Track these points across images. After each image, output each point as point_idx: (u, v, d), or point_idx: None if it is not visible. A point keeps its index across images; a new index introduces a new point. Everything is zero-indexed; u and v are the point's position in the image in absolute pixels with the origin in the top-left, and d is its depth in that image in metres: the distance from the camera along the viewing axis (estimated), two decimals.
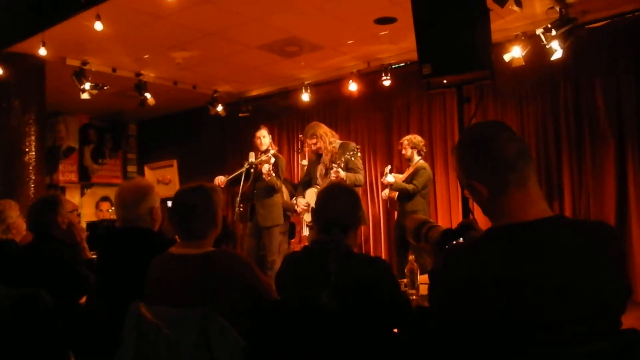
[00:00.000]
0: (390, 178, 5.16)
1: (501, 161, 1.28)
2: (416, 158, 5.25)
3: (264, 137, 5.35)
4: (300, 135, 5.05)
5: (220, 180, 5.10)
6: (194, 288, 1.86)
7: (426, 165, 5.28)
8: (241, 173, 5.19)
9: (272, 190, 5.20)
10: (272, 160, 5.13)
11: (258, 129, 5.45)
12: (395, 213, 5.48)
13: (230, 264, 1.91)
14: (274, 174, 5.05)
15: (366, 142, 7.21)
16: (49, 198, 3.01)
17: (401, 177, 5.26)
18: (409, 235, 1.75)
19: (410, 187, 5.07)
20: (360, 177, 4.72)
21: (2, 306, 2.25)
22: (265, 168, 5.01)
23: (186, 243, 2.01)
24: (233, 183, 5.25)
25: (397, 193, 5.13)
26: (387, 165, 5.49)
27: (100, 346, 2.18)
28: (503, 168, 1.28)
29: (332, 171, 4.60)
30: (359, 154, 4.79)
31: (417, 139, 5.31)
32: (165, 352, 1.68)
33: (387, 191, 5.28)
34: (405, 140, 5.31)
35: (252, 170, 5.19)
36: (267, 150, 5.26)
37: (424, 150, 5.34)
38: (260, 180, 5.16)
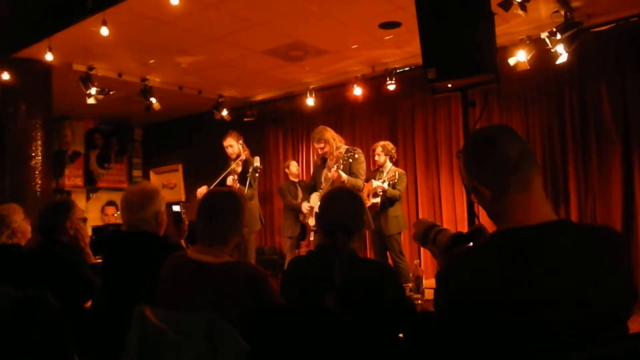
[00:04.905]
0: (382, 184, 5.12)
1: (502, 162, 1.28)
2: (388, 164, 5.32)
3: (231, 147, 5.16)
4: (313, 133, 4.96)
5: (201, 192, 4.90)
6: (207, 296, 1.85)
7: (403, 171, 5.46)
8: (224, 178, 5.06)
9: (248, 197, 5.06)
10: (239, 169, 5.02)
11: (224, 138, 5.25)
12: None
13: (248, 277, 1.88)
14: (238, 185, 4.91)
15: (371, 146, 7.19)
16: (61, 201, 3.02)
17: (379, 182, 5.19)
18: (416, 238, 1.74)
19: (397, 193, 5.14)
20: (360, 182, 4.72)
21: (7, 307, 2.25)
22: (229, 180, 4.93)
23: (207, 249, 1.96)
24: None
25: (379, 199, 5.08)
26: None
27: (104, 349, 2.18)
28: (504, 169, 1.28)
29: (332, 170, 4.59)
30: (358, 157, 4.77)
31: (390, 145, 5.41)
32: (170, 356, 1.68)
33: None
34: (380, 147, 5.36)
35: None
36: (237, 158, 5.13)
37: (395, 157, 5.45)
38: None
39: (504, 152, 1.28)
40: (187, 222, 2.73)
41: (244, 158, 5.14)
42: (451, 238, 1.59)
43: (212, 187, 4.97)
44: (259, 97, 8.13)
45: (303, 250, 6.22)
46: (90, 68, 6.25)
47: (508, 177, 1.27)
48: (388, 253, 5.20)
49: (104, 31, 4.81)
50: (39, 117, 6.00)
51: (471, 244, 1.51)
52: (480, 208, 1.39)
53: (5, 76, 5.78)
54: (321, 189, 4.96)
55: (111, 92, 6.42)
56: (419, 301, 2.72)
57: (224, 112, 7.73)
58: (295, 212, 5.97)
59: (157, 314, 1.76)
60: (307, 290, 1.90)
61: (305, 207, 5.21)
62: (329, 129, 4.96)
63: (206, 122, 8.27)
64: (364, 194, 5.25)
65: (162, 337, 1.70)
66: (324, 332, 1.70)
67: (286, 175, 6.71)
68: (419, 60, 3.38)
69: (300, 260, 2.13)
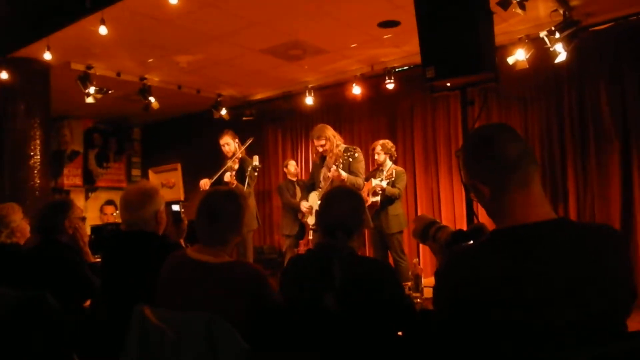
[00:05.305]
0: (380, 183, 5.11)
1: (502, 161, 1.28)
2: (388, 163, 5.32)
3: (227, 145, 5.22)
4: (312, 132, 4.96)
5: (204, 183, 5.00)
6: (207, 296, 1.84)
7: (403, 169, 5.47)
8: (223, 173, 5.07)
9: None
10: (236, 166, 5.04)
11: (220, 137, 5.30)
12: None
13: (247, 277, 1.88)
14: (235, 182, 4.94)
15: (370, 145, 7.19)
16: (60, 201, 3.02)
17: (378, 181, 5.18)
18: (415, 234, 1.74)
19: (396, 191, 5.13)
20: (360, 181, 4.73)
21: (7, 307, 2.25)
22: (227, 176, 4.96)
23: (207, 249, 1.97)
24: (217, 185, 5.18)
25: (378, 198, 5.08)
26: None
27: (104, 349, 2.18)
28: (504, 168, 1.28)
29: (332, 169, 4.59)
30: (357, 156, 4.78)
31: (389, 144, 5.41)
32: (169, 355, 1.68)
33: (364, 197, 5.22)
34: (379, 145, 5.35)
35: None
36: (233, 156, 5.15)
37: (395, 155, 5.44)
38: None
39: (503, 151, 1.29)
40: (186, 222, 2.73)
41: (240, 156, 5.17)
42: (452, 235, 1.60)
43: (210, 183, 5.00)
44: (258, 96, 8.13)
45: (302, 249, 6.22)
46: (89, 67, 6.23)
47: (507, 176, 1.28)
48: (389, 252, 5.20)
49: (103, 30, 4.80)
50: (38, 116, 5.99)
51: (471, 242, 1.51)
52: (480, 207, 1.40)
53: (4, 75, 5.77)
54: (320, 187, 4.96)
55: (110, 92, 6.41)
56: (418, 300, 2.71)
57: (223, 112, 7.73)
58: (294, 210, 5.98)
59: (157, 313, 1.76)
60: (307, 290, 1.90)
61: (304, 205, 5.21)
62: (328, 127, 4.98)
63: (205, 122, 8.27)
64: (364, 193, 5.27)
65: (162, 337, 1.70)
66: (324, 332, 1.70)
67: (285, 174, 6.73)
68: (417, 59, 3.38)
69: (300, 259, 2.13)
